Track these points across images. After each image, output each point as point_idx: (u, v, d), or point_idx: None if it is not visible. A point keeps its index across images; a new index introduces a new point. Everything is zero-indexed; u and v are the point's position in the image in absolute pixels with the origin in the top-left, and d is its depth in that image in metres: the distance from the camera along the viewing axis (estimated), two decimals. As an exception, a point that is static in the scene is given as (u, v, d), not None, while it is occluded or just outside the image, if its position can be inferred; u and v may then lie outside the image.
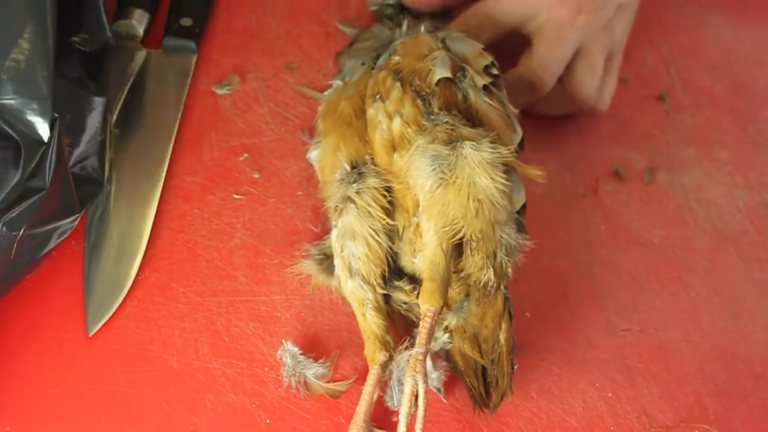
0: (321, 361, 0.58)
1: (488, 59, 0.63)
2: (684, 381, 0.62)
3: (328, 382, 0.58)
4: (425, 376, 0.53)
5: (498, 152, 0.55)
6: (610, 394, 0.60)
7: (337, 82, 0.65)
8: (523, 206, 0.60)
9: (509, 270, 0.56)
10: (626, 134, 0.75)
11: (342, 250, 0.58)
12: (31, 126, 0.55)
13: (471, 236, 0.55)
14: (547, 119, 0.73)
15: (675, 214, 0.71)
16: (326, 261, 0.60)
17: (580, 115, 0.74)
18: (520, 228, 0.58)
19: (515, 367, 0.57)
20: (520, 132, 0.62)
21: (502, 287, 0.56)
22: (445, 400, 0.58)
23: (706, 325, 0.65)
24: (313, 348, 0.59)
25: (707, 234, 0.70)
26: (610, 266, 0.67)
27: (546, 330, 0.63)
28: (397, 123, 0.58)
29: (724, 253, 0.69)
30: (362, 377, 0.58)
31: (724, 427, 0.60)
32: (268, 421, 0.56)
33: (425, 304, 0.54)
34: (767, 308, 0.66)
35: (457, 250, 0.56)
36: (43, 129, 0.55)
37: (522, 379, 0.59)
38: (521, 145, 0.62)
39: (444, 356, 0.59)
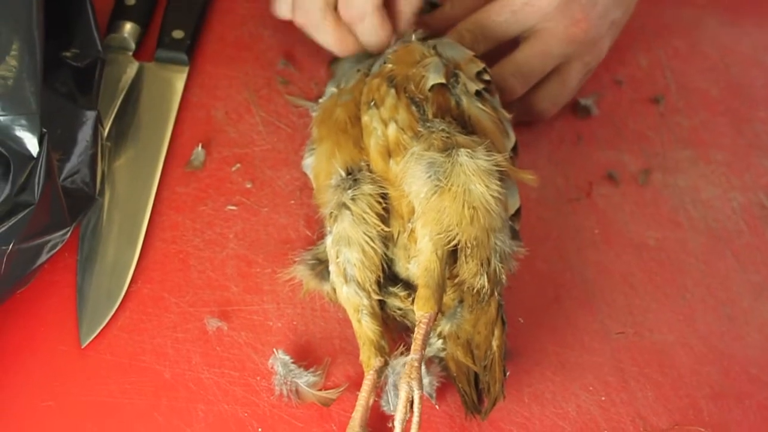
0: (312, 369, 0.58)
1: (480, 65, 0.63)
2: (678, 383, 0.62)
3: (320, 390, 0.58)
4: (420, 382, 0.53)
5: (493, 159, 0.55)
6: (603, 398, 0.60)
7: (332, 89, 0.66)
8: (518, 210, 0.60)
9: (503, 277, 0.56)
10: (620, 137, 0.74)
11: (337, 257, 0.58)
12: (19, 141, 0.55)
13: (466, 243, 0.55)
14: (540, 123, 0.73)
15: (669, 216, 0.70)
16: (319, 266, 0.60)
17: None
18: (515, 235, 0.59)
19: (507, 373, 0.57)
20: (513, 137, 0.62)
21: (495, 294, 0.56)
22: (437, 406, 0.58)
23: (701, 328, 0.65)
24: (304, 356, 0.60)
25: (702, 236, 0.69)
26: (603, 269, 0.67)
27: (539, 334, 0.63)
28: (392, 129, 0.58)
29: (719, 255, 0.69)
30: (353, 385, 0.58)
31: (719, 430, 0.60)
32: (260, 429, 0.57)
33: (420, 311, 0.54)
34: (762, 310, 0.66)
35: (452, 256, 0.56)
36: (31, 144, 0.56)
37: (515, 384, 0.59)
38: (515, 149, 0.62)
39: (437, 362, 0.59)
